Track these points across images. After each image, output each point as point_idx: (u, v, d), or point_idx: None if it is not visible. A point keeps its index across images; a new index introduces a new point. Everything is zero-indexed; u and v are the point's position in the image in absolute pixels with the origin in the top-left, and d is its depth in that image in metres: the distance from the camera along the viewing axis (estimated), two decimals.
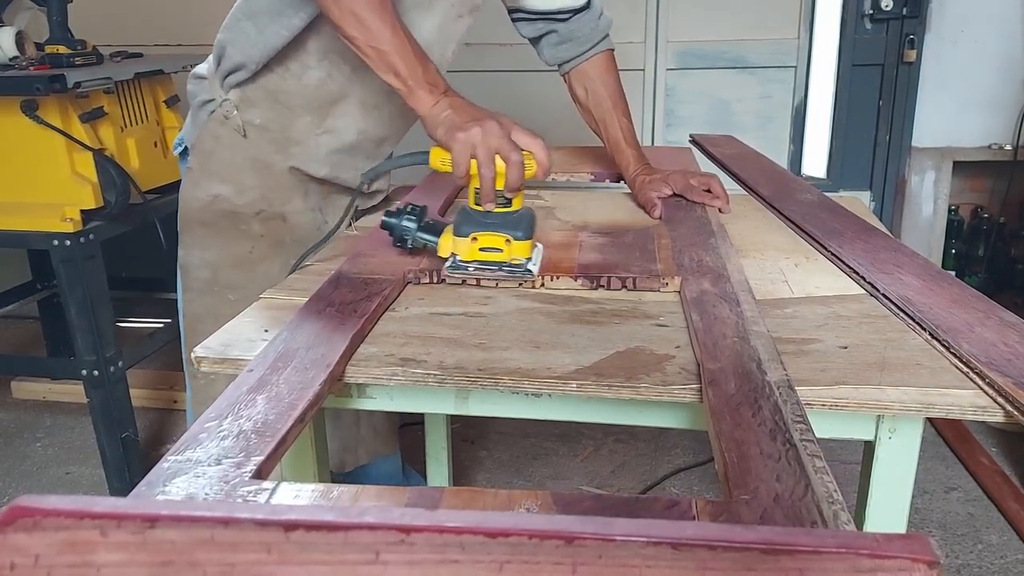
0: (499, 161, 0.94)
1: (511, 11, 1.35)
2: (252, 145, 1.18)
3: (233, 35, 1.14)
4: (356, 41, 0.99)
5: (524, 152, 0.95)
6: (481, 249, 0.98)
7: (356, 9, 0.97)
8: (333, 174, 1.23)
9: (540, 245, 1.03)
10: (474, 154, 0.94)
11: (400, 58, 0.98)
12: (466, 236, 0.97)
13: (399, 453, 1.64)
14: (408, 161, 1.02)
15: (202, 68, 1.23)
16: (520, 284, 0.97)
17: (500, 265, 0.98)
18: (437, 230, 1.00)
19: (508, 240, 0.97)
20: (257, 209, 1.20)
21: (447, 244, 0.99)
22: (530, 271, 0.98)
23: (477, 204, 0.98)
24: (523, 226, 0.98)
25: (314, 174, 1.22)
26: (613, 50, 1.37)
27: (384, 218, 1.01)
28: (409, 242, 1.00)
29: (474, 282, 0.97)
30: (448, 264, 0.99)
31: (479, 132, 0.93)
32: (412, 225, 1.00)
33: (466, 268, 0.98)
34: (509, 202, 0.98)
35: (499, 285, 0.97)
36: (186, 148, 1.24)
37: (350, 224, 1.29)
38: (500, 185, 0.95)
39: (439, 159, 0.98)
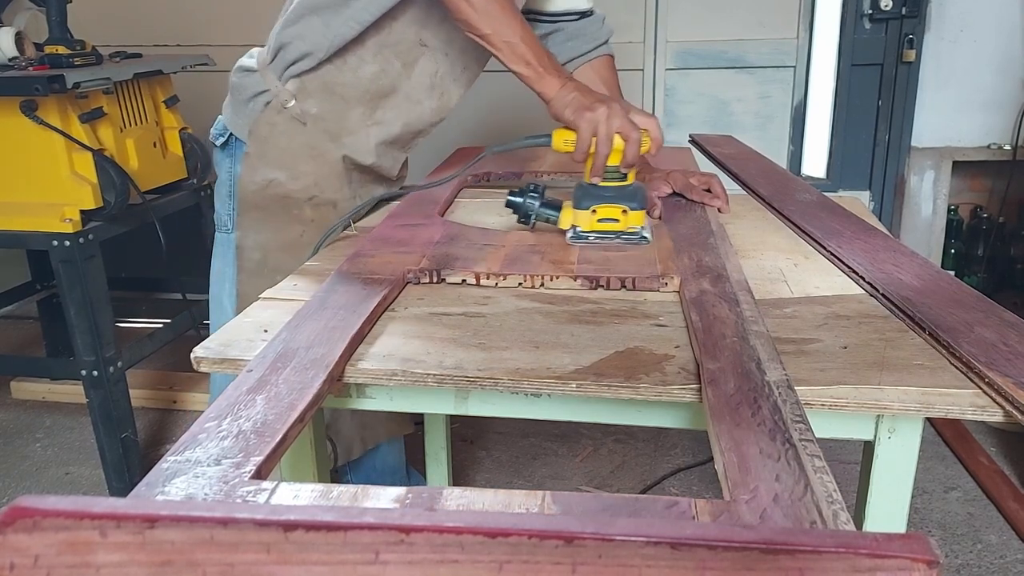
0: (617, 139, 1.03)
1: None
2: (308, 133, 1.25)
3: (299, 29, 1.20)
4: (490, 37, 1.10)
5: (642, 130, 1.04)
6: (600, 220, 1.07)
7: (490, 9, 1.08)
8: (378, 163, 1.31)
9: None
10: (595, 132, 1.03)
11: (530, 49, 1.09)
12: (586, 209, 1.07)
13: (403, 442, 1.65)
14: (531, 143, 1.12)
15: (249, 62, 1.29)
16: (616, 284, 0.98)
17: (618, 234, 1.07)
18: (557, 206, 1.10)
19: (625, 211, 1.07)
20: (310, 195, 1.26)
21: (568, 217, 1.09)
22: (646, 238, 1.07)
23: (591, 180, 1.07)
24: (638, 198, 1.08)
25: (362, 162, 1.29)
26: (613, 57, 1.41)
27: (509, 197, 1.11)
28: (533, 217, 1.10)
29: (474, 282, 0.97)
30: (569, 235, 1.08)
31: (605, 112, 1.03)
32: (536, 202, 1.10)
33: (586, 238, 1.07)
34: (624, 176, 1.07)
35: (498, 285, 0.97)
36: (228, 139, 1.30)
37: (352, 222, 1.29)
38: (617, 161, 1.05)
39: (562, 140, 1.07)
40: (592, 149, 1.04)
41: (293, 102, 1.23)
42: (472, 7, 1.08)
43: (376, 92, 1.25)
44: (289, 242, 1.25)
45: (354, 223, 1.26)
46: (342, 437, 1.45)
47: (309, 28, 1.19)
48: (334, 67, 1.22)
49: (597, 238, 1.06)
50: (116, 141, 1.82)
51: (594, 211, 1.06)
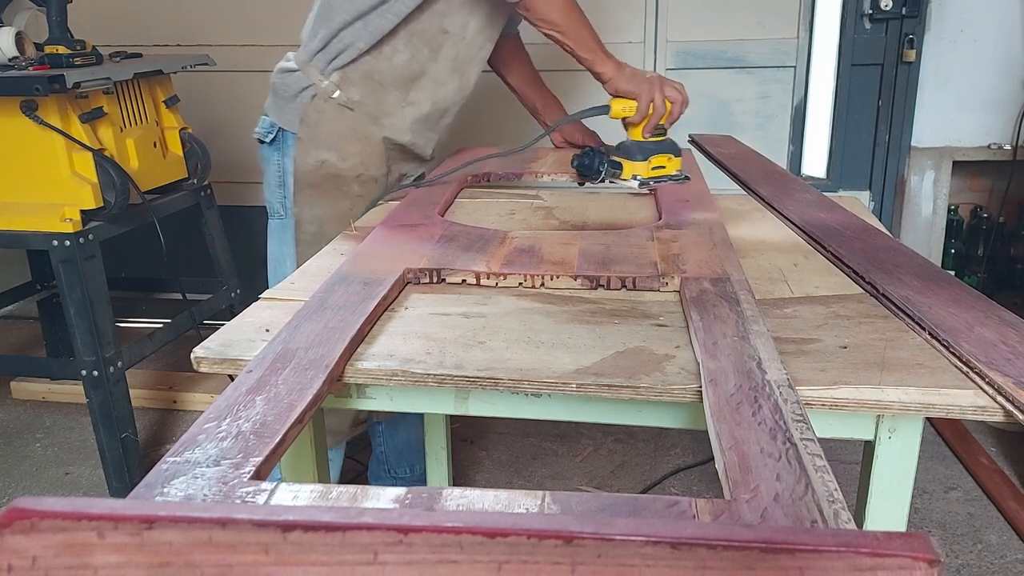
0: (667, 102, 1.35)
1: None
2: (353, 118, 1.41)
3: (338, 25, 1.36)
4: (567, 32, 1.35)
5: None
6: (653, 168, 1.37)
7: (566, 10, 1.34)
8: (412, 140, 1.47)
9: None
10: (652, 97, 1.34)
11: (593, 38, 1.37)
12: (643, 160, 1.37)
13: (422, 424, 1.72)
14: (591, 113, 1.38)
15: (288, 64, 1.45)
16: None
17: (668, 177, 1.38)
18: (617, 164, 1.38)
19: (669, 158, 1.39)
20: (357, 173, 1.42)
21: (630, 169, 1.37)
22: (688, 177, 1.40)
23: (643, 137, 1.37)
24: (675, 148, 1.41)
25: (400, 140, 1.45)
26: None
27: (576, 160, 1.39)
28: (603, 173, 1.36)
29: (474, 281, 0.97)
30: (635, 183, 1.37)
31: (659, 82, 1.36)
32: (602, 160, 1.36)
33: (648, 183, 1.37)
34: (664, 131, 1.39)
35: (498, 285, 0.97)
36: (277, 134, 1.45)
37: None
38: (664, 120, 1.37)
39: (620, 107, 1.37)
40: (649, 112, 1.34)
41: (338, 92, 1.39)
42: (555, 9, 1.33)
43: (408, 76, 1.41)
44: (340, 214, 1.39)
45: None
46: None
47: (349, 26, 1.35)
48: (372, 57, 1.38)
49: (656, 181, 1.36)
50: (116, 141, 1.82)
51: (649, 161, 1.35)
